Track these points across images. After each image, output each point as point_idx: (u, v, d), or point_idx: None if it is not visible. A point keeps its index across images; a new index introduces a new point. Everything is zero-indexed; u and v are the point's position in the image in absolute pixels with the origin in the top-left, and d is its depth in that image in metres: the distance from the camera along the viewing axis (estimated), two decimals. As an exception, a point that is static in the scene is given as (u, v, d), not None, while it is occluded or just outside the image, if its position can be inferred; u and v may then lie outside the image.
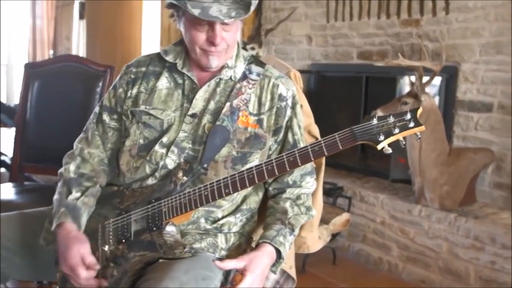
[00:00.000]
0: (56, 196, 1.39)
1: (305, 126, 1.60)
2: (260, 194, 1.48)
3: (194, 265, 1.23)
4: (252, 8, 1.29)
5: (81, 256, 1.25)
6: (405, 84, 3.24)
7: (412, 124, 1.13)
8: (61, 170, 1.43)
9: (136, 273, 1.26)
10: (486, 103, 2.87)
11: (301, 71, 3.94)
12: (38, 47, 6.24)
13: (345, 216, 2.94)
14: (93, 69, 2.49)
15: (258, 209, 1.51)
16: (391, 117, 1.14)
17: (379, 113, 2.75)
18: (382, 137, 1.13)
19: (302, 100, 1.63)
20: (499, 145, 2.81)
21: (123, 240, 1.29)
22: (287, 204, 1.43)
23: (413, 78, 2.71)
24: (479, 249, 2.51)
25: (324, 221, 2.91)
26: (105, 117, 1.47)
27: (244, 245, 1.44)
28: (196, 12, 1.23)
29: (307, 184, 1.47)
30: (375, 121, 1.14)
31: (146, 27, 5.25)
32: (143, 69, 1.46)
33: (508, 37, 2.73)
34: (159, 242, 1.26)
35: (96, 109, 1.51)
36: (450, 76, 3.01)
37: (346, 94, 3.79)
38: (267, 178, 1.23)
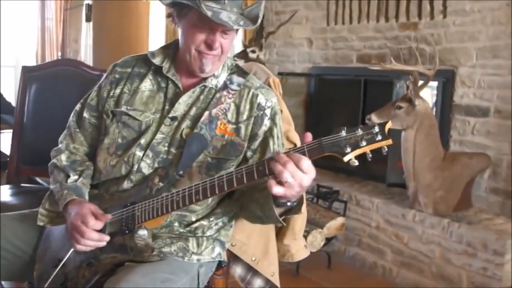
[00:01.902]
0: (54, 185, 1.44)
1: (283, 132, 1.61)
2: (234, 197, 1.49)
3: (156, 269, 1.25)
4: (259, 21, 1.33)
5: (91, 209, 1.31)
6: (403, 88, 3.23)
7: (379, 137, 1.12)
8: (53, 161, 1.49)
9: (106, 274, 1.28)
10: (482, 108, 2.84)
11: (302, 74, 3.98)
12: (47, 49, 6.32)
13: (340, 220, 2.94)
14: (89, 73, 2.54)
15: (235, 214, 1.52)
16: (359, 129, 1.14)
17: (373, 117, 2.74)
18: (348, 149, 1.13)
19: (282, 106, 1.64)
20: (496, 150, 2.79)
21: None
22: None
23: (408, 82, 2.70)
24: (472, 255, 2.49)
25: (318, 225, 2.92)
26: (86, 114, 1.51)
27: (218, 250, 1.45)
28: (209, 13, 1.26)
29: None
30: (343, 133, 1.14)
31: (153, 30, 5.29)
32: (129, 70, 1.49)
33: (505, 41, 2.71)
34: (130, 245, 1.29)
35: (77, 106, 1.56)
36: (447, 80, 2.99)
37: (345, 97, 3.78)
38: (236, 186, 1.24)
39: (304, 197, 1.29)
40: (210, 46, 1.33)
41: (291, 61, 4.12)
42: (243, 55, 3.93)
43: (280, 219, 1.28)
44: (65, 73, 2.56)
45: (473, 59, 2.87)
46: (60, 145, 1.53)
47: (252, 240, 1.63)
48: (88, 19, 5.66)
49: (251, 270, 1.66)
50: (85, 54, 6.23)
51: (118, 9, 5.17)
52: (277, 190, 1.13)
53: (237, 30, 1.39)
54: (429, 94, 3.11)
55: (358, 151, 1.14)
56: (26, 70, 2.62)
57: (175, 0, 1.31)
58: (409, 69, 2.63)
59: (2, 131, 3.58)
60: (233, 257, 1.65)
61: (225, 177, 1.23)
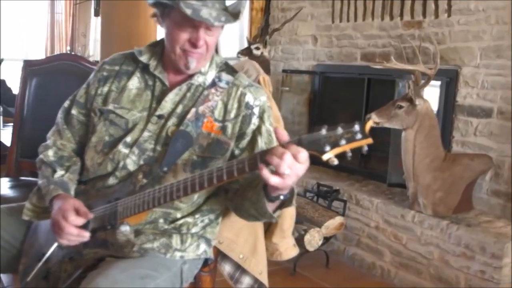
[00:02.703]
0: (42, 180, 1.44)
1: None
2: (223, 195, 1.48)
3: (135, 264, 1.25)
4: (241, 16, 1.33)
5: (74, 205, 1.31)
6: (405, 87, 3.19)
7: (359, 136, 1.10)
8: (40, 157, 1.49)
9: (87, 269, 1.29)
10: (485, 108, 2.80)
11: (306, 72, 3.96)
12: (56, 43, 6.37)
13: (338, 219, 2.92)
14: (89, 68, 2.54)
15: (223, 212, 1.52)
16: (339, 128, 1.12)
17: (373, 116, 2.72)
18: (328, 148, 1.11)
19: (271, 103, 1.63)
20: (498, 152, 2.74)
21: None
22: None
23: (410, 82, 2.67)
24: (470, 257, 2.46)
25: (317, 224, 2.90)
26: (74, 111, 1.51)
27: (204, 247, 1.45)
28: (188, 11, 1.25)
29: None
30: (324, 131, 1.12)
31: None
32: (117, 67, 1.49)
33: (509, 41, 2.67)
34: (111, 241, 1.29)
35: (66, 103, 1.56)
36: (451, 79, 2.95)
37: (349, 96, 3.76)
38: (215, 183, 1.23)
39: (295, 190, 1.28)
40: (194, 45, 1.32)
41: (296, 59, 4.10)
42: (247, 52, 3.91)
43: (275, 214, 1.28)
44: (64, 67, 2.57)
45: (477, 59, 2.83)
46: (48, 141, 1.54)
47: (240, 238, 1.62)
48: (96, 14, 5.67)
49: (240, 268, 1.66)
50: (94, 49, 6.27)
51: (126, 3, 5.18)
52: (274, 180, 1.11)
53: (222, 26, 1.38)
54: (435, 93, 3.07)
55: (337, 150, 1.12)
56: (27, 64, 2.63)
57: (157, 0, 1.30)
58: (409, 68, 2.59)
59: (8, 124, 3.62)
60: (221, 255, 1.65)
61: (206, 174, 1.22)
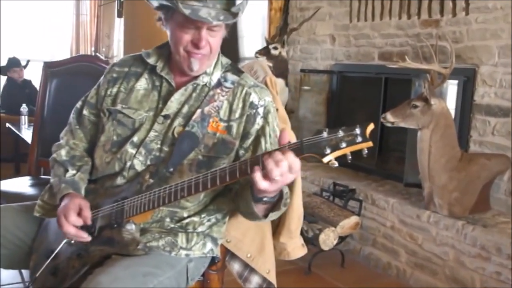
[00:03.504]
0: (54, 178, 1.49)
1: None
2: (229, 195, 1.50)
3: (139, 262, 1.28)
4: (240, 14, 1.34)
5: (80, 206, 1.35)
6: (422, 86, 3.16)
7: (359, 139, 1.11)
8: (53, 156, 1.54)
9: (93, 266, 1.32)
10: (503, 108, 2.76)
11: (324, 72, 3.95)
12: (81, 44, 6.49)
13: (353, 219, 2.92)
14: (105, 68, 2.60)
15: (229, 211, 1.54)
16: (340, 131, 1.14)
17: (388, 116, 2.71)
18: (328, 150, 1.12)
19: (278, 105, 1.64)
20: (516, 152, 2.70)
21: (88, 234, 1.36)
22: None
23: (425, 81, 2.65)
24: (485, 258, 2.43)
25: (332, 223, 2.90)
26: (85, 111, 1.56)
27: (210, 246, 1.47)
28: (186, 12, 1.28)
29: None
30: (325, 134, 1.14)
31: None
32: (126, 69, 1.53)
33: (527, 39, 2.63)
34: (117, 239, 1.32)
35: (78, 103, 1.60)
36: (468, 79, 2.91)
37: (366, 95, 3.74)
38: (218, 184, 1.25)
39: (286, 195, 1.29)
40: (197, 45, 1.35)
41: (314, 58, 4.10)
42: (265, 51, 3.93)
43: (269, 216, 1.31)
44: (83, 69, 2.64)
45: (495, 57, 2.79)
46: (61, 141, 1.59)
47: (247, 237, 1.64)
48: (119, 15, 5.77)
49: (248, 267, 1.68)
50: (118, 49, 6.37)
51: (148, 4, 5.26)
52: (263, 185, 1.15)
53: (226, 26, 1.40)
54: (453, 92, 3.04)
55: (337, 153, 1.13)
56: (46, 66, 2.71)
57: (159, 2, 1.34)
58: (424, 67, 2.57)
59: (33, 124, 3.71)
60: (230, 254, 1.67)
61: (209, 175, 1.25)
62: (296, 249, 1.74)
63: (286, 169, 1.12)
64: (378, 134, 3.51)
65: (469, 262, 2.51)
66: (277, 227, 1.70)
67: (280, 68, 3.98)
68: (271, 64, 3.95)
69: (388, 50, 3.44)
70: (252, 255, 1.64)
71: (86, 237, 1.33)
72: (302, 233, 2.84)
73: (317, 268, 2.92)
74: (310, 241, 2.89)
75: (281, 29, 4.14)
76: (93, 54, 6.24)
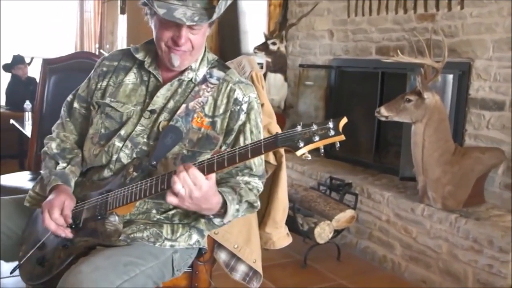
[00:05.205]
0: (44, 170, 1.53)
1: (265, 125, 1.63)
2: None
3: (121, 252, 1.31)
4: (215, 15, 1.36)
5: (63, 204, 1.38)
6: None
7: (332, 133, 1.14)
8: (44, 149, 1.57)
9: (78, 256, 1.35)
10: (498, 102, 2.77)
11: (322, 67, 3.97)
12: (86, 41, 6.54)
13: (349, 212, 2.94)
14: (103, 65, 2.64)
15: None
16: (314, 125, 1.16)
17: (382, 110, 2.73)
18: (302, 144, 1.15)
19: (264, 99, 1.67)
20: (510, 145, 2.71)
21: (73, 226, 1.40)
22: (240, 179, 1.46)
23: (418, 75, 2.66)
24: (478, 251, 2.45)
25: (327, 217, 2.93)
26: (76, 104, 1.59)
27: (196, 237, 1.50)
28: (161, 12, 1.31)
29: (255, 183, 1.51)
30: (299, 128, 1.17)
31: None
32: (115, 63, 1.56)
33: (521, 33, 2.63)
34: (101, 230, 1.35)
35: (69, 97, 1.64)
36: (463, 73, 2.92)
37: (364, 90, 3.76)
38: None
39: (228, 211, 1.36)
40: (176, 43, 1.38)
41: (313, 53, 4.12)
42: (263, 47, 3.95)
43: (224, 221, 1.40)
44: (80, 65, 2.67)
45: (489, 51, 2.80)
46: (52, 133, 1.62)
47: (235, 228, 1.67)
48: (122, 12, 5.82)
49: (235, 257, 1.70)
50: (121, 46, 6.42)
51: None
52: (169, 199, 1.25)
53: (210, 24, 1.42)
54: (445, 87, 3.05)
55: (310, 146, 1.16)
56: (45, 62, 2.75)
57: (142, 0, 1.37)
58: (417, 61, 2.59)
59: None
60: (217, 244, 1.71)
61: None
62: (281, 238, 1.77)
63: (185, 180, 1.21)
64: (376, 129, 3.53)
65: (462, 255, 2.53)
66: (263, 217, 1.73)
67: (279, 64, 4.00)
68: (270, 60, 3.98)
69: (385, 44, 3.45)
70: (239, 246, 1.67)
71: (66, 234, 1.36)
72: (297, 227, 2.89)
73: (313, 261, 2.95)
74: (306, 234, 2.92)
75: (280, 25, 4.16)
76: (97, 51, 6.28)
